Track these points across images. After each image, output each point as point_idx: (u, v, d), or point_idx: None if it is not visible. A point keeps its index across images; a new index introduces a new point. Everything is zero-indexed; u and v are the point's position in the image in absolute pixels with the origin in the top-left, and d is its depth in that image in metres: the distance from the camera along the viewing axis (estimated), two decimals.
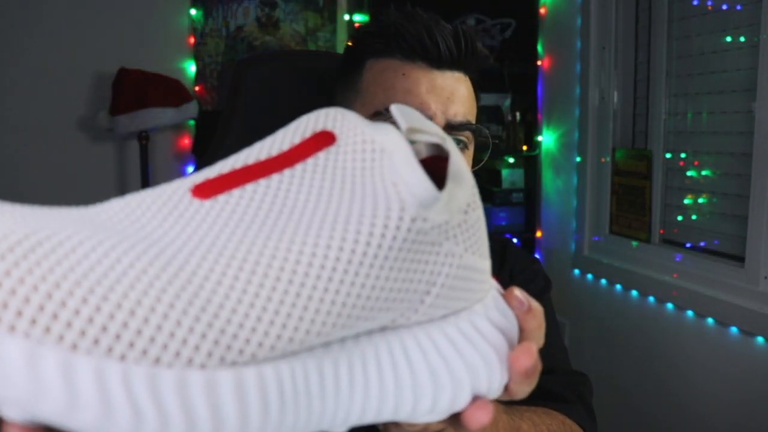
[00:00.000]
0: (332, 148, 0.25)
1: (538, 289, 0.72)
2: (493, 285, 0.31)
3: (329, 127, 0.26)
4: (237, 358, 0.20)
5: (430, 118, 0.58)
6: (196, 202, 0.23)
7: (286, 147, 0.25)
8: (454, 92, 0.60)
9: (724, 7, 1.37)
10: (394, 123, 0.62)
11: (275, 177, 0.24)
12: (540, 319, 0.31)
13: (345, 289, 0.22)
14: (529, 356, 0.29)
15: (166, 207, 0.23)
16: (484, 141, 0.67)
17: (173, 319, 0.19)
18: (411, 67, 0.59)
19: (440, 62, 0.59)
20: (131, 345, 0.19)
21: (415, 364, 0.26)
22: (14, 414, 0.18)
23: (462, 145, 0.61)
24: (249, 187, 0.24)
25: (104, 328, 0.18)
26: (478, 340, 0.28)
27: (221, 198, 0.23)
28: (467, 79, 0.62)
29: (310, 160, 0.25)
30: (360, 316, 0.23)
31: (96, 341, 0.18)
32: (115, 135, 1.70)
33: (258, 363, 0.21)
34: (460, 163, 0.26)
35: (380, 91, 0.60)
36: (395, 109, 0.27)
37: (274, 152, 0.25)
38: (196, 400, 0.20)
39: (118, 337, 0.19)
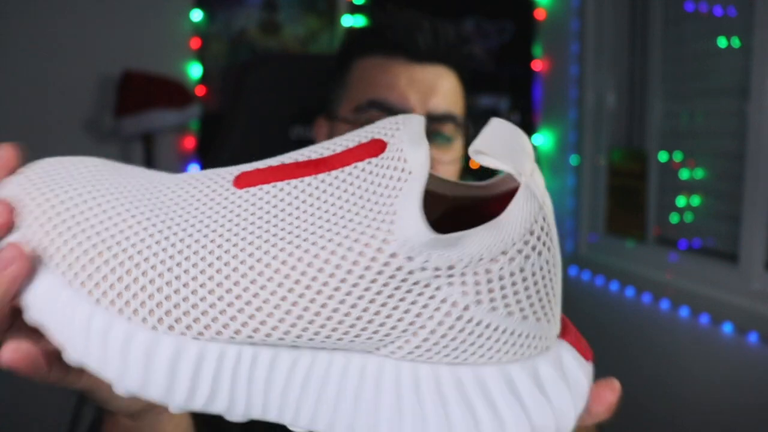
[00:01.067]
0: (374, 160, 0.24)
1: None
2: (564, 347, 0.26)
3: (384, 136, 0.25)
4: (203, 330, 0.23)
5: (410, 110, 0.59)
6: (232, 189, 0.25)
7: (339, 150, 0.25)
8: (435, 85, 0.61)
9: (718, 11, 1.40)
10: (376, 117, 0.63)
11: (307, 179, 0.24)
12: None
13: (314, 308, 0.23)
14: (613, 391, 0.26)
15: (208, 188, 0.25)
16: (473, 136, 0.68)
17: (156, 285, 0.23)
18: (392, 63, 0.61)
19: (419, 56, 0.61)
20: (118, 297, 0.24)
21: (384, 391, 0.24)
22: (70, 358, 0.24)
23: (444, 139, 0.61)
24: (279, 185, 0.24)
25: (97, 284, 0.24)
26: (476, 399, 0.24)
27: (252, 190, 0.24)
28: (451, 73, 0.63)
29: (348, 168, 0.24)
30: (330, 335, 0.23)
31: (105, 293, 0.24)
32: (120, 136, 1.73)
33: (210, 341, 0.24)
34: (518, 207, 0.24)
35: (364, 86, 0.62)
36: (495, 123, 0.24)
37: (327, 153, 0.25)
38: (137, 355, 0.23)
39: (105, 293, 0.24)
